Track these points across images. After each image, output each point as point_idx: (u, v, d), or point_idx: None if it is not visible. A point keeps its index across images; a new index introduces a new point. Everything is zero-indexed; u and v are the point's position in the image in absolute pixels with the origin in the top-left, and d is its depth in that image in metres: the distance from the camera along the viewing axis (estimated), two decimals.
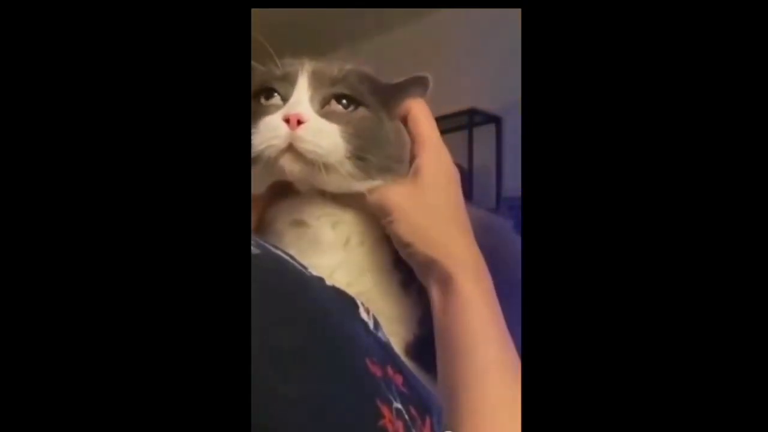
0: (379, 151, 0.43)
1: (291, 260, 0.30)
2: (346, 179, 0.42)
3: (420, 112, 0.46)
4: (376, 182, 0.43)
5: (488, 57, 2.74)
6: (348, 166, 0.42)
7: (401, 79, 0.47)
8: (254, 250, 0.27)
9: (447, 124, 2.72)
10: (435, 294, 0.42)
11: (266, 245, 0.29)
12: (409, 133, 0.46)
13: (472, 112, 2.72)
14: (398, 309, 0.45)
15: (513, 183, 2.71)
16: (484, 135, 2.80)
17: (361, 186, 0.43)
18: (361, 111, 0.44)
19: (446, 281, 0.41)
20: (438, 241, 0.42)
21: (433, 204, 0.43)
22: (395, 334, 0.44)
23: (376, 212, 0.44)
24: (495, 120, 2.79)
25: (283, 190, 0.46)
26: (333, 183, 0.43)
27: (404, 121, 0.47)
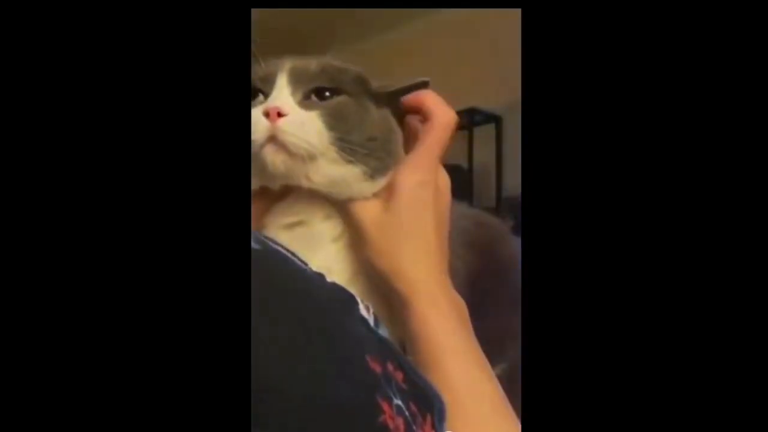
0: (362, 133, 0.43)
1: (291, 256, 0.30)
2: (328, 166, 0.42)
3: (439, 118, 0.44)
4: (357, 169, 0.43)
5: (488, 57, 2.74)
6: (331, 153, 0.42)
7: (401, 85, 0.46)
8: (255, 245, 0.27)
9: None
10: (397, 313, 0.43)
11: (267, 241, 0.29)
12: (408, 128, 0.46)
13: (472, 112, 2.72)
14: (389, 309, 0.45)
15: (513, 183, 2.71)
16: (484, 135, 2.81)
17: (342, 172, 0.43)
18: (342, 97, 0.44)
19: (404, 305, 0.41)
20: (398, 266, 0.42)
21: (401, 227, 0.43)
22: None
23: (351, 228, 0.44)
24: (495, 120, 2.79)
25: (269, 197, 0.45)
26: (315, 173, 0.42)
27: (411, 112, 0.46)
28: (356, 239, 0.44)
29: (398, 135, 0.46)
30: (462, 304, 0.43)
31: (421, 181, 0.43)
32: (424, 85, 0.46)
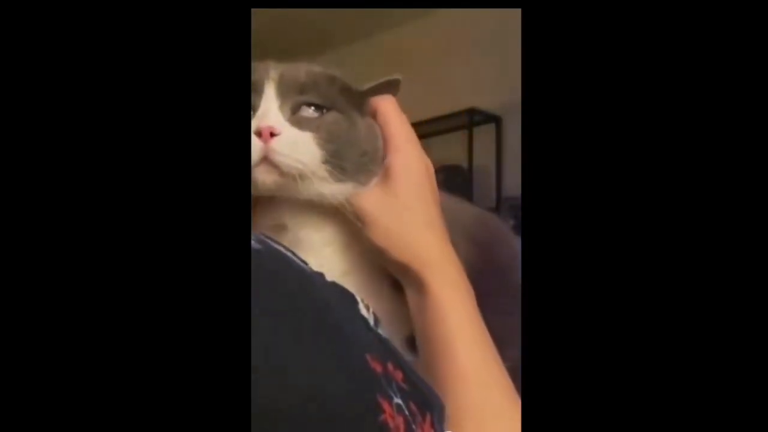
0: (353, 151, 0.43)
1: (292, 256, 0.30)
2: (319, 184, 0.42)
3: (388, 110, 0.46)
4: (348, 185, 0.43)
5: (488, 57, 2.74)
6: (321, 171, 0.42)
7: (372, 84, 0.47)
8: (255, 245, 0.27)
9: (447, 124, 2.73)
10: (411, 297, 0.43)
11: (267, 241, 0.29)
12: (381, 131, 0.46)
13: (472, 112, 2.72)
14: (390, 308, 0.45)
15: (513, 183, 2.71)
16: (484, 135, 2.80)
17: (332, 189, 0.43)
18: (332, 114, 0.44)
19: (420, 286, 0.41)
20: (411, 246, 0.42)
21: (404, 207, 0.43)
22: (392, 332, 0.44)
23: (352, 218, 0.44)
24: (495, 120, 2.79)
25: (257, 198, 0.45)
26: (306, 190, 0.42)
27: (374, 118, 0.47)
28: (359, 230, 0.44)
29: (381, 140, 0.46)
30: (470, 285, 0.43)
31: (414, 159, 0.44)
32: (395, 83, 0.47)
